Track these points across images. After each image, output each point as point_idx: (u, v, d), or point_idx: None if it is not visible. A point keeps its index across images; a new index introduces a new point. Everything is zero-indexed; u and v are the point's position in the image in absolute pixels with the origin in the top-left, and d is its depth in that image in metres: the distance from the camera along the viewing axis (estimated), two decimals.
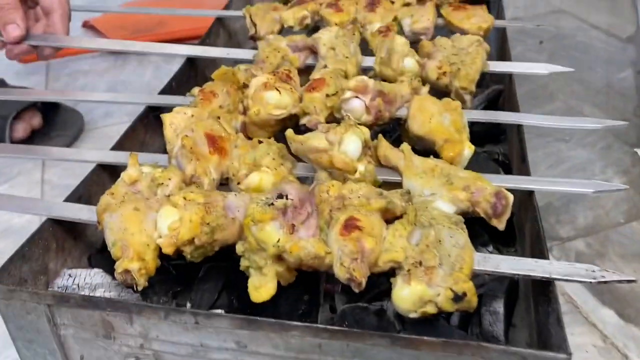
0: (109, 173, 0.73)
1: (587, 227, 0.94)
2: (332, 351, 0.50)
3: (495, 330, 0.59)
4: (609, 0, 1.73)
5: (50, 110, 1.20)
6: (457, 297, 0.49)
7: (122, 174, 0.60)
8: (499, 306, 0.59)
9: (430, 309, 0.50)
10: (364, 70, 0.88)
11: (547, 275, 0.52)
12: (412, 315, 0.51)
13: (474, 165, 0.71)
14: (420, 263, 0.51)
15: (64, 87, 1.40)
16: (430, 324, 0.59)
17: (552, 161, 1.08)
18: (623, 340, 0.74)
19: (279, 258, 0.54)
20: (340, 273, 0.51)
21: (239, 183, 0.64)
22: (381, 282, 0.66)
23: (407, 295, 0.50)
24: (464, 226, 0.55)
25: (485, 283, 0.62)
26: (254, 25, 0.97)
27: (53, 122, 1.20)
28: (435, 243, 0.52)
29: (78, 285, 0.62)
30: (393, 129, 0.88)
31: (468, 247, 0.52)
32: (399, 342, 0.48)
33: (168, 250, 0.54)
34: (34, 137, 1.14)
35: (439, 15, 0.97)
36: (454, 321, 0.62)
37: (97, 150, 0.73)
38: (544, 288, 0.55)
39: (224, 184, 0.67)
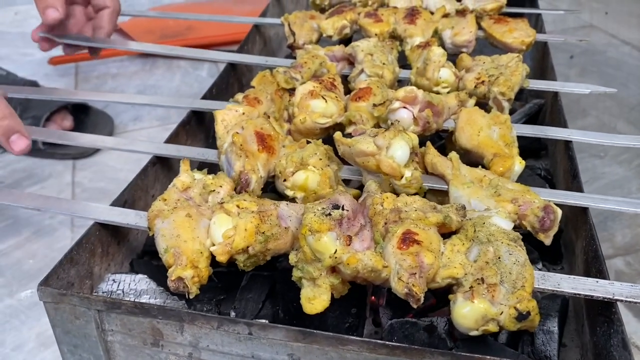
0: (151, 179, 0.72)
1: (626, 245, 0.92)
2: None
3: (548, 349, 0.57)
4: None
5: (80, 113, 1.21)
6: (521, 316, 0.48)
7: (175, 180, 0.59)
8: (553, 325, 0.58)
9: (492, 327, 0.49)
10: (400, 82, 0.88)
11: (610, 297, 0.50)
12: (473, 333, 0.50)
13: (518, 179, 0.69)
14: (482, 280, 0.49)
15: (93, 89, 1.40)
16: (480, 341, 0.57)
17: (588, 177, 1.07)
18: None
19: (333, 270, 0.53)
20: (398, 288, 0.50)
21: (285, 180, 0.63)
22: (426, 297, 0.65)
23: (469, 313, 0.49)
24: (522, 243, 0.54)
25: (537, 301, 0.60)
26: (293, 33, 0.96)
27: (83, 124, 1.20)
28: (495, 260, 0.51)
29: (123, 290, 0.61)
30: (432, 139, 0.87)
31: (528, 265, 0.51)
32: None
33: (222, 258, 0.53)
34: None
35: (479, 27, 0.96)
36: (501, 339, 0.61)
37: (150, 142, 0.73)
38: (602, 309, 0.54)
39: (270, 181, 0.67)
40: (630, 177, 1.07)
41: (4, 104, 0.70)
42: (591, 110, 1.28)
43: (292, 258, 0.54)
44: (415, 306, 0.50)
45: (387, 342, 0.48)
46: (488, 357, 0.46)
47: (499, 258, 0.51)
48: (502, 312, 0.48)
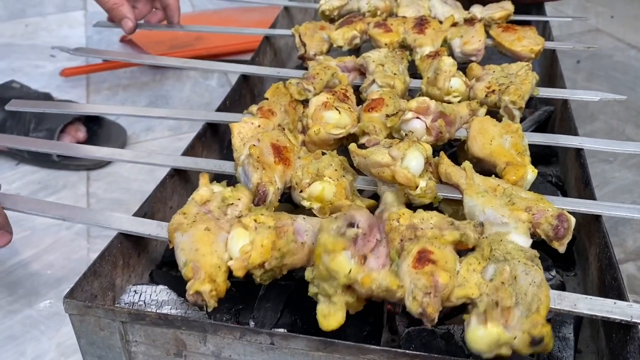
0: (169, 191, 0.74)
1: (638, 250, 0.93)
2: None
3: (564, 356, 0.58)
4: None
5: (93, 124, 1.22)
6: (535, 342, 0.48)
7: (194, 194, 0.60)
8: (569, 332, 0.59)
9: (505, 351, 0.49)
10: (411, 91, 0.89)
11: (628, 319, 0.51)
12: (486, 356, 0.49)
13: (530, 187, 0.70)
14: (497, 304, 0.49)
15: (104, 100, 1.42)
16: None
17: (598, 182, 1.07)
18: None
19: (348, 287, 0.53)
20: (413, 307, 0.50)
21: (301, 191, 0.64)
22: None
23: (482, 337, 0.49)
24: (539, 262, 0.54)
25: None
26: (303, 44, 0.98)
27: (97, 135, 1.22)
28: (511, 280, 0.51)
29: (144, 302, 0.63)
30: (442, 148, 0.88)
31: (544, 286, 0.51)
32: None
33: (239, 273, 0.54)
34: None
35: (488, 35, 0.97)
36: None
37: (167, 155, 0.75)
38: None
39: (287, 192, 0.68)
40: (639, 181, 1.08)
41: None
42: (599, 115, 1.28)
43: (308, 274, 0.55)
44: (429, 326, 0.50)
45: (408, 351, 0.49)
46: None
47: (515, 278, 0.51)
48: (515, 337, 0.48)
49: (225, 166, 0.71)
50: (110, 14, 1.06)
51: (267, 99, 0.80)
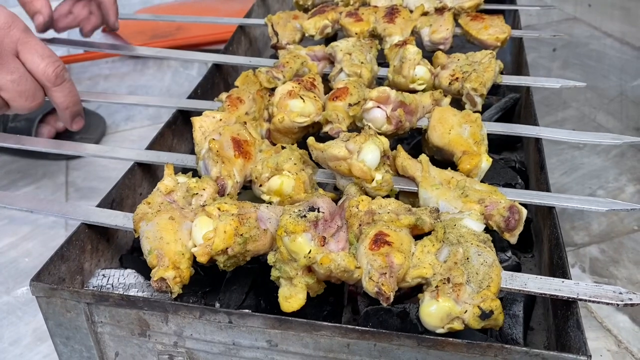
0: (138, 178, 0.75)
1: (602, 233, 0.95)
2: (360, 351, 0.52)
3: (514, 332, 0.61)
4: (622, 9, 1.74)
5: None
6: (484, 315, 0.50)
7: (158, 184, 0.62)
8: (519, 309, 0.61)
9: (457, 326, 0.51)
10: (380, 79, 0.90)
11: (574, 296, 0.53)
12: (439, 330, 0.52)
13: (492, 172, 0.72)
14: (448, 280, 0.52)
15: (85, 90, 1.42)
16: None
17: (567, 168, 1.10)
18: (637, 345, 0.76)
19: (308, 269, 0.55)
20: (369, 287, 0.52)
21: (261, 185, 0.66)
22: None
23: (434, 312, 0.51)
24: (492, 245, 0.56)
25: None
26: (276, 34, 0.99)
27: None
28: (463, 261, 0.53)
29: (112, 285, 0.64)
30: (411, 136, 0.90)
31: (496, 266, 0.53)
32: (424, 343, 0.50)
33: (202, 259, 0.56)
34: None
35: (457, 24, 0.99)
36: None
37: (130, 149, 0.76)
38: None
39: (247, 186, 0.70)
40: (607, 167, 1.10)
41: (75, 89, 0.84)
42: (572, 102, 1.31)
43: (271, 258, 0.57)
44: (385, 305, 0.52)
45: (357, 327, 0.51)
46: (451, 339, 0.50)
47: (468, 259, 0.53)
48: (466, 311, 0.51)
49: (187, 160, 0.73)
50: (24, 8, 1.01)
51: (237, 86, 0.82)
